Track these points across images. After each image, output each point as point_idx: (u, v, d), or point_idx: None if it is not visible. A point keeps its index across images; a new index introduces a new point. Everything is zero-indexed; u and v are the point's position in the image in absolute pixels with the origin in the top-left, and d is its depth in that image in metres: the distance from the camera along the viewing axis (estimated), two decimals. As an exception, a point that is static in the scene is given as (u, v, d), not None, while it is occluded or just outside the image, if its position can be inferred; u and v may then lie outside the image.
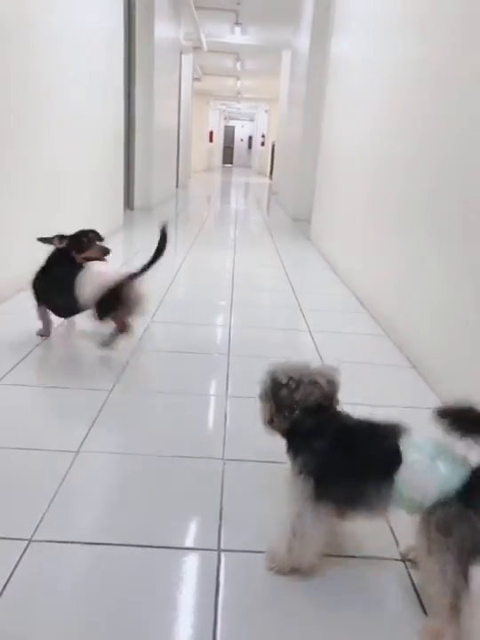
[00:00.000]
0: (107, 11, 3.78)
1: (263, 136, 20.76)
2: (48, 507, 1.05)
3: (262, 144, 20.86)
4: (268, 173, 15.88)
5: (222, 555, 0.97)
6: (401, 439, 0.86)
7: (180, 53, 9.01)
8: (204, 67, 13.17)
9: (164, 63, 6.49)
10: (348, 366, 1.84)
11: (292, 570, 0.92)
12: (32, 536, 0.98)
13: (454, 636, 0.78)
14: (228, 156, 27.74)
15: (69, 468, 1.19)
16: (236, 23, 8.52)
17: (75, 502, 1.08)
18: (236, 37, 9.55)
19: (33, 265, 1.88)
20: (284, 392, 0.94)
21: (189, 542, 1.00)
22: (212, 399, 1.60)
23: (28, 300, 1.91)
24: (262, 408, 0.99)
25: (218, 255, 3.86)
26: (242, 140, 28.96)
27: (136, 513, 1.06)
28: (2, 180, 2.29)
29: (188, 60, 10.10)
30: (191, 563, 0.95)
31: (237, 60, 11.67)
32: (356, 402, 1.52)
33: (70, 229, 1.91)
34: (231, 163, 28.21)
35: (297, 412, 0.93)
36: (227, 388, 1.66)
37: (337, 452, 0.90)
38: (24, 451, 1.24)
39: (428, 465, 0.82)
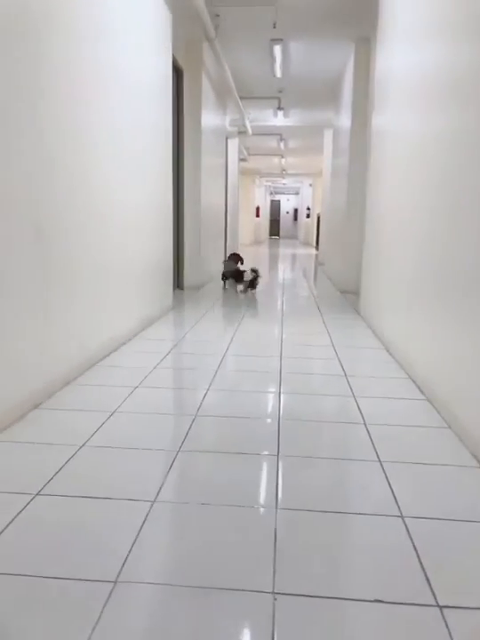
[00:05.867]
0: (158, 107, 4.04)
1: (308, 208, 21.27)
2: (80, 656, 0.95)
3: (308, 216, 21.33)
4: (314, 244, 16.11)
5: None
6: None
7: (226, 138, 9.51)
8: (249, 148, 13.84)
9: (211, 149, 6.83)
10: (407, 468, 1.68)
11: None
12: None
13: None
14: (274, 228, 28.52)
15: (107, 600, 1.09)
16: (279, 108, 8.97)
17: (109, 650, 0.97)
18: (279, 120, 10.03)
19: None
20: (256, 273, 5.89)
21: None
22: (259, 511, 1.48)
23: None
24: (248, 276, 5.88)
25: (264, 338, 3.81)
26: (287, 212, 29.80)
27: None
28: (49, 269, 2.36)
29: (233, 143, 10.64)
30: None
31: (281, 140, 12.21)
32: (423, 515, 1.36)
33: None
34: (278, 235, 28.93)
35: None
36: (276, 499, 1.53)
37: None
38: (58, 580, 1.16)
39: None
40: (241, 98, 7.94)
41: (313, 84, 7.86)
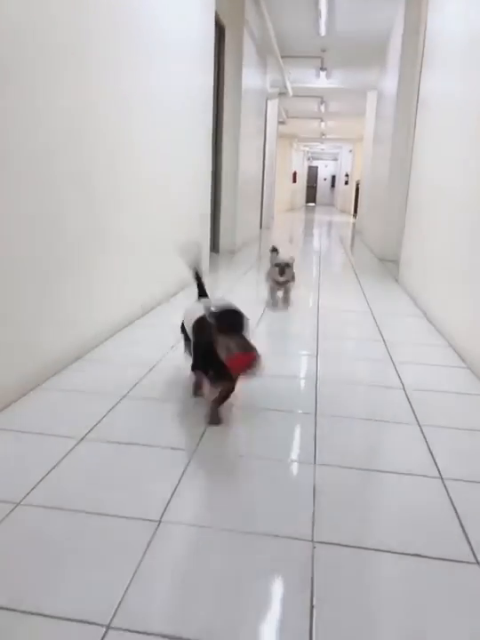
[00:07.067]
0: (199, 69, 3.95)
1: (347, 175, 20.76)
2: (127, 588, 1.00)
3: (346, 183, 20.84)
4: (352, 211, 15.78)
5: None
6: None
7: (266, 100, 9.28)
8: (288, 111, 13.49)
9: (251, 111, 6.68)
10: (447, 432, 1.67)
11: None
12: (110, 622, 0.92)
13: None
14: (311, 195, 28.02)
15: (151, 540, 1.13)
16: (321, 68, 8.67)
17: (154, 585, 1.02)
18: (321, 82, 9.72)
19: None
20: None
21: (276, 644, 0.90)
22: (297, 466, 1.50)
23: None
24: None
25: (301, 303, 3.79)
26: (325, 179, 29.18)
27: (214, 601, 0.98)
28: (93, 234, 2.39)
29: (273, 104, 10.38)
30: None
31: (322, 102, 11.86)
32: (463, 477, 1.35)
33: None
34: (314, 202, 28.44)
35: None
36: (314, 455, 1.55)
37: None
38: (103, 516, 1.21)
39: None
40: (282, 57, 7.70)
41: (358, 43, 7.54)
